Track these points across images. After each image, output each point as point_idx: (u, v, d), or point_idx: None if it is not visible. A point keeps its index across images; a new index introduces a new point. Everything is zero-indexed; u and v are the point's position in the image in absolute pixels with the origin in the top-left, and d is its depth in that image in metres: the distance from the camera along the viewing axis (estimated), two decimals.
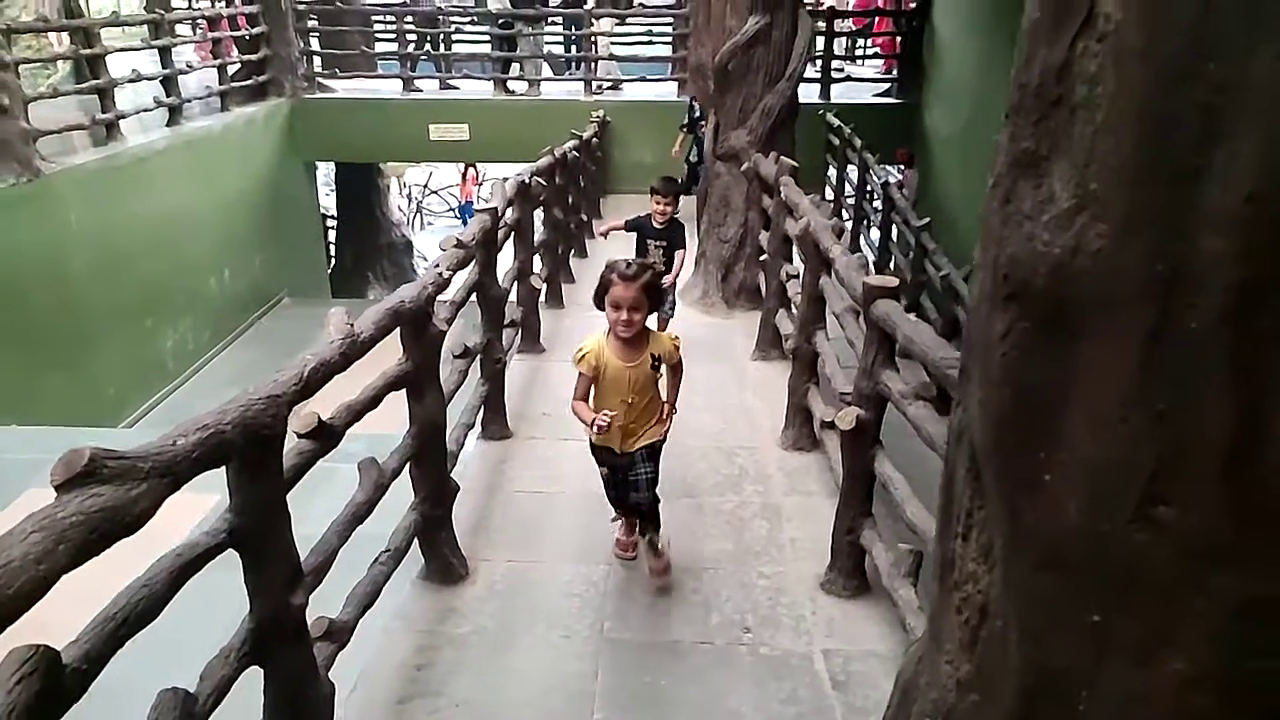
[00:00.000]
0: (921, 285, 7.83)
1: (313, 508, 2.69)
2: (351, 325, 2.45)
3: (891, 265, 9.44)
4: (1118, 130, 0.97)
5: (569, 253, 8.16)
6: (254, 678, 2.04)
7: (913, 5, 12.54)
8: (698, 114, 8.83)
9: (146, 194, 8.52)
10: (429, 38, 13.26)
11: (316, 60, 12.47)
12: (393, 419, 3.14)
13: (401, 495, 3.12)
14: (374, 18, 14.30)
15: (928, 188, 11.02)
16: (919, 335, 2.72)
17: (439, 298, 3.28)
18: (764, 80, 6.57)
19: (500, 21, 12.52)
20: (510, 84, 12.28)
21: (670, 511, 3.60)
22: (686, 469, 4.30)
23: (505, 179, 5.46)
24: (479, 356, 4.38)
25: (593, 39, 12.58)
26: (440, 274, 3.37)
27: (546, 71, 13.30)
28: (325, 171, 15.84)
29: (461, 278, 4.23)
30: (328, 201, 16.23)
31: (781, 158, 5.63)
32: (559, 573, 3.51)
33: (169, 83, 9.40)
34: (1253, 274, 0.92)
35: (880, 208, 9.78)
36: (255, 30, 11.35)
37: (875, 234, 10.41)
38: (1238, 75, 0.88)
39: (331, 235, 15.72)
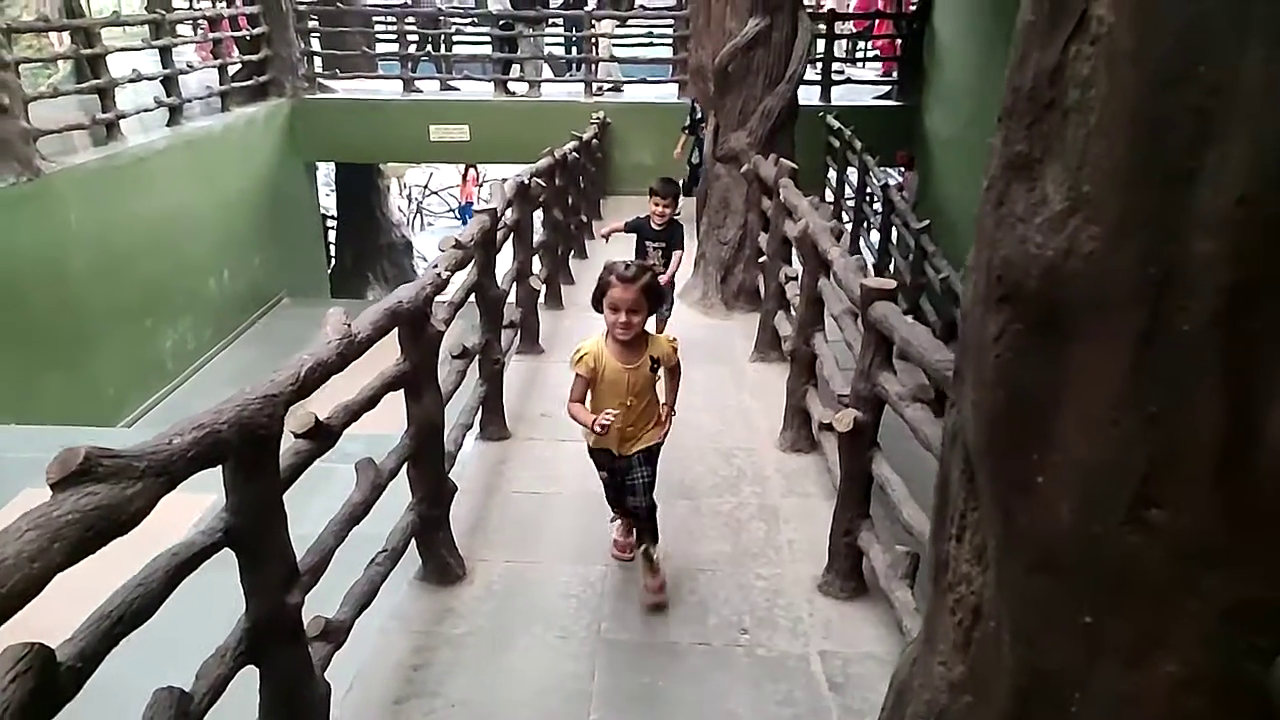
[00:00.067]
0: (921, 288, 7.83)
1: (310, 508, 2.69)
2: (349, 325, 2.45)
3: (891, 268, 9.44)
4: (1110, 133, 0.97)
5: (568, 254, 8.16)
6: (250, 677, 2.04)
7: (913, 8, 12.55)
8: (699, 116, 8.83)
9: (146, 194, 8.53)
10: (430, 38, 13.26)
11: (317, 61, 12.47)
12: (391, 419, 3.14)
13: (399, 496, 3.12)
14: (375, 18, 14.32)
15: (927, 190, 11.03)
16: (916, 337, 2.72)
17: (437, 298, 3.28)
18: (764, 82, 6.58)
19: (501, 23, 12.54)
20: (511, 85, 12.29)
21: (668, 512, 3.60)
22: (684, 470, 4.30)
23: (505, 180, 5.46)
24: (477, 357, 4.38)
25: (593, 40, 12.59)
26: (439, 274, 3.37)
27: (547, 73, 13.31)
28: (325, 172, 15.84)
29: (460, 278, 4.24)
30: (328, 202, 16.23)
31: (781, 160, 5.63)
32: (556, 573, 3.51)
33: (169, 83, 9.41)
34: (1244, 276, 0.92)
35: (880, 210, 9.79)
36: (256, 30, 11.36)
37: (875, 236, 10.41)
38: (1229, 78, 0.88)
39: (331, 236, 15.73)
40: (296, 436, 2.27)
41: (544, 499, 4.10)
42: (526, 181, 5.66)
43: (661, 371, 3.22)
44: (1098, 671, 1.12)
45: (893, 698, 1.65)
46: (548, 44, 13.38)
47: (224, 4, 13.01)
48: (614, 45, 13.15)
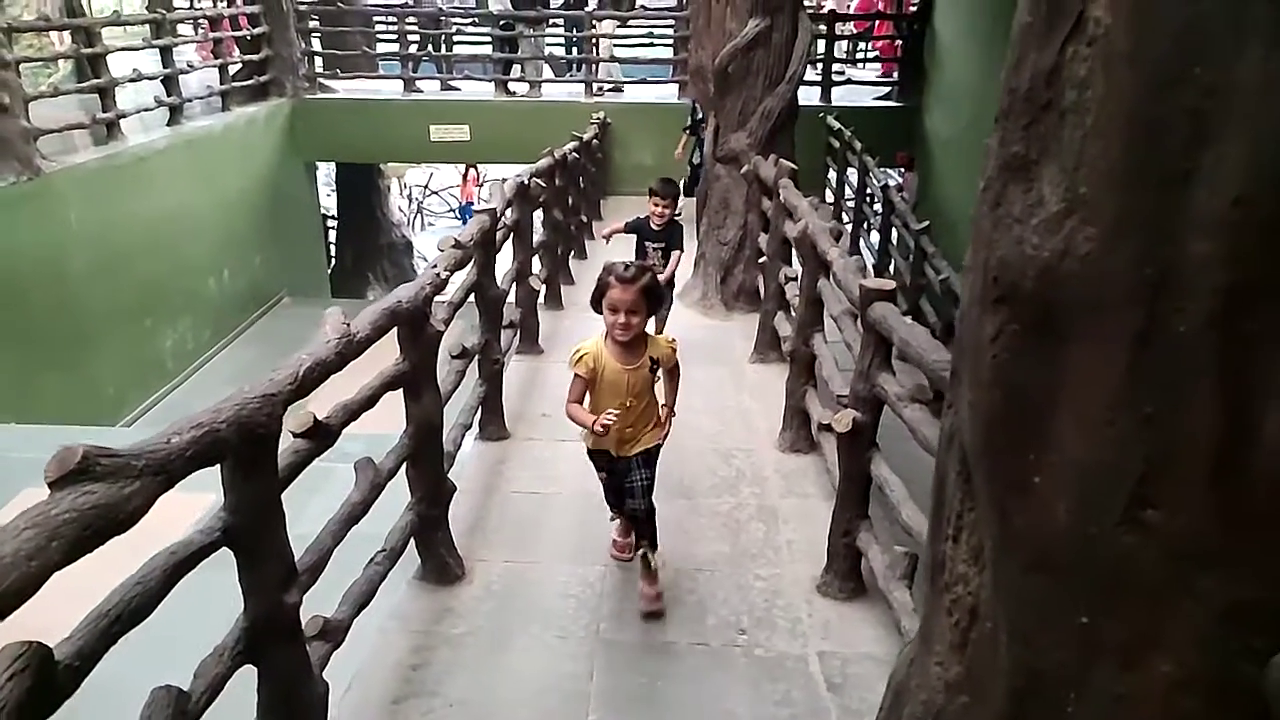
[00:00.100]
0: (921, 288, 7.83)
1: (309, 507, 2.70)
2: (348, 325, 2.45)
3: (891, 268, 9.44)
4: (1107, 134, 0.97)
5: (568, 254, 8.16)
6: (248, 676, 2.05)
7: (914, 9, 12.55)
8: (700, 116, 8.83)
9: (147, 193, 8.53)
10: (430, 38, 13.27)
11: (318, 60, 12.47)
12: (390, 419, 3.14)
13: (398, 495, 3.12)
14: (375, 18, 14.31)
15: (928, 191, 11.03)
16: (915, 338, 2.72)
17: (437, 298, 3.28)
18: (764, 83, 6.58)
19: (501, 23, 12.54)
20: (511, 85, 12.29)
21: (667, 512, 3.60)
22: (683, 470, 4.30)
23: (505, 180, 5.46)
24: (477, 357, 4.38)
25: (594, 41, 12.60)
26: (438, 274, 3.37)
27: (547, 73, 13.31)
28: (326, 172, 15.85)
29: (460, 278, 4.24)
30: (328, 202, 16.24)
31: (781, 160, 5.63)
32: (555, 573, 3.51)
33: (170, 82, 9.41)
34: (1240, 277, 0.92)
35: (880, 211, 9.79)
36: (256, 30, 11.36)
37: (875, 237, 10.41)
38: (1225, 79, 0.88)
39: (332, 235, 15.73)
40: (295, 436, 2.27)
41: (543, 499, 4.10)
42: (526, 181, 5.66)
43: (660, 373, 3.22)
44: (1093, 672, 1.12)
45: (890, 698, 1.66)
46: (548, 44, 13.38)
47: (224, 3, 13.01)
48: (614, 45, 13.14)
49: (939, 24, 11.59)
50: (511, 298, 5.39)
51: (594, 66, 12.46)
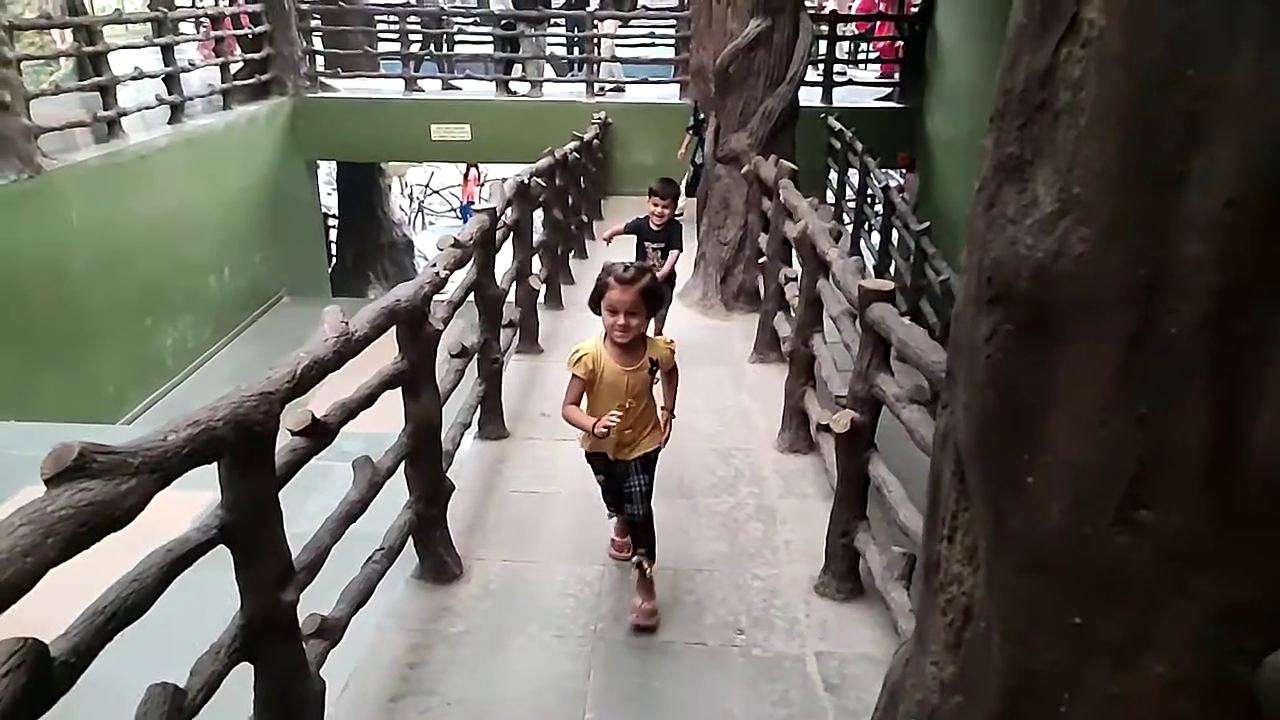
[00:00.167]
0: (921, 289, 7.83)
1: (307, 506, 2.70)
2: (346, 324, 2.45)
3: (891, 269, 9.44)
4: (1100, 135, 0.98)
5: (569, 254, 8.17)
6: (245, 674, 2.05)
7: (915, 9, 12.55)
8: (702, 116, 8.83)
9: (148, 192, 8.54)
10: (432, 38, 13.28)
11: (319, 59, 12.48)
12: (389, 418, 3.15)
13: (397, 494, 3.12)
14: (377, 17, 14.32)
15: (928, 192, 11.02)
16: (914, 339, 2.72)
17: (436, 297, 3.28)
18: (765, 83, 6.58)
19: (503, 22, 12.55)
20: (512, 85, 12.30)
21: (665, 512, 3.60)
22: (682, 470, 4.31)
23: (505, 179, 5.46)
24: (476, 356, 4.39)
25: (595, 41, 12.60)
26: (437, 273, 3.37)
27: (548, 73, 13.32)
28: (327, 170, 15.85)
29: (460, 277, 4.24)
30: (329, 201, 16.24)
31: (781, 161, 5.63)
32: (553, 573, 3.51)
33: (171, 80, 9.42)
34: (1233, 278, 0.93)
35: (881, 212, 9.79)
36: (258, 29, 11.37)
37: (876, 238, 10.41)
38: (1218, 81, 0.89)
39: (333, 234, 15.74)
40: (293, 434, 2.27)
41: (542, 498, 4.10)
42: (526, 181, 5.66)
43: (659, 374, 3.20)
44: (1087, 672, 1.12)
45: (885, 698, 1.66)
46: (549, 44, 13.38)
47: (226, 2, 13.01)
48: (616, 45, 13.15)
49: (940, 25, 11.59)
50: (511, 297, 5.39)
51: (595, 66, 12.47)
